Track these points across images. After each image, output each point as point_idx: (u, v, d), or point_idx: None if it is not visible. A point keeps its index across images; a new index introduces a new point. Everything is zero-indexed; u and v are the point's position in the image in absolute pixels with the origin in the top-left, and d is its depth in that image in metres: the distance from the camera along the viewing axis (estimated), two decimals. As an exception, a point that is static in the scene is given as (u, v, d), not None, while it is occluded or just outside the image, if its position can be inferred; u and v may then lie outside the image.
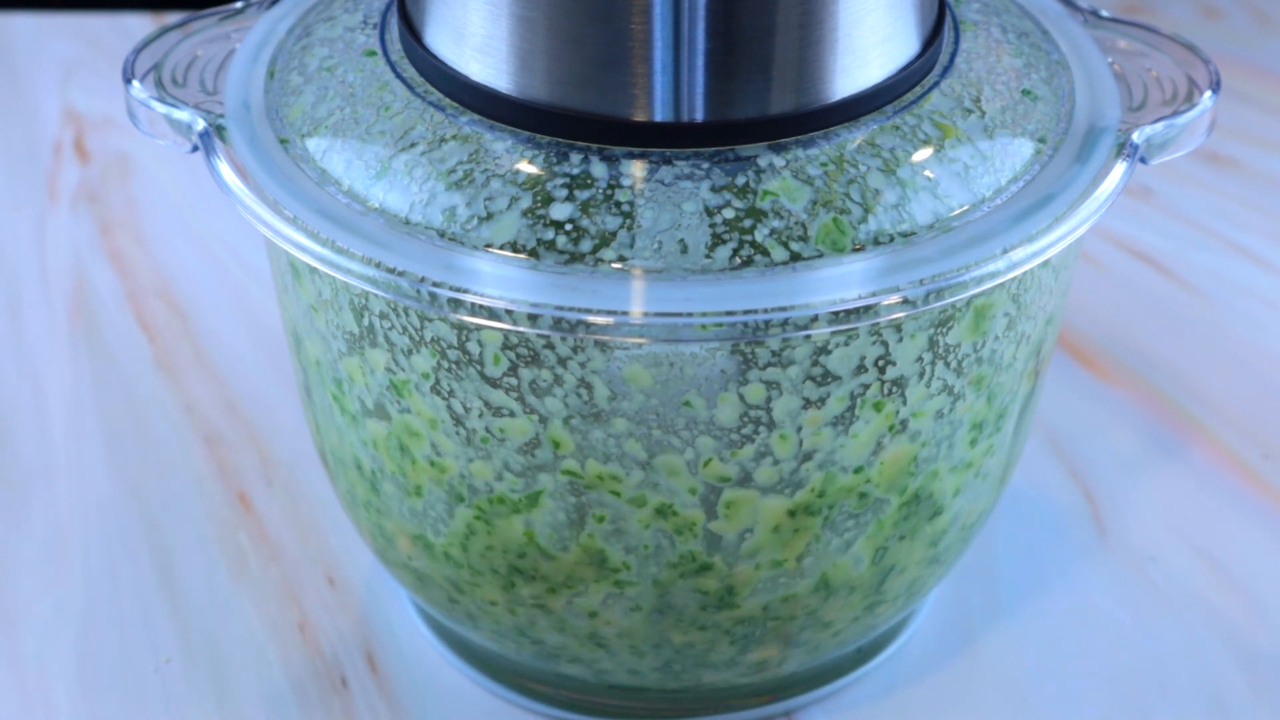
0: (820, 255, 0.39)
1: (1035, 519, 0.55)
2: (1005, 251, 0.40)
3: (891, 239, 0.40)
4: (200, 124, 0.43)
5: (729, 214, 0.39)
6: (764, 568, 0.43)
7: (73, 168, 0.70)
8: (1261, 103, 0.75)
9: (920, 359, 0.41)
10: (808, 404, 0.41)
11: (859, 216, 0.40)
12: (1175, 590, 0.53)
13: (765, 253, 0.39)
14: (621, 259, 0.39)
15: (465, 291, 0.39)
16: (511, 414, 0.41)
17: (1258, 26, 0.80)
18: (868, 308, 0.39)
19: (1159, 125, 0.43)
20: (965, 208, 0.41)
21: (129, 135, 0.71)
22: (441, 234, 0.40)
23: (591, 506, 0.42)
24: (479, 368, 0.41)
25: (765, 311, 0.39)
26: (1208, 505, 0.56)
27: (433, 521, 0.44)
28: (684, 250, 0.39)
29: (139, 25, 0.79)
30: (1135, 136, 0.43)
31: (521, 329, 0.39)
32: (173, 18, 0.65)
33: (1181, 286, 0.65)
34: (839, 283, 0.39)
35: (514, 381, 0.41)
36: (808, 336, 0.40)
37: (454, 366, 0.41)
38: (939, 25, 0.43)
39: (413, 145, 0.41)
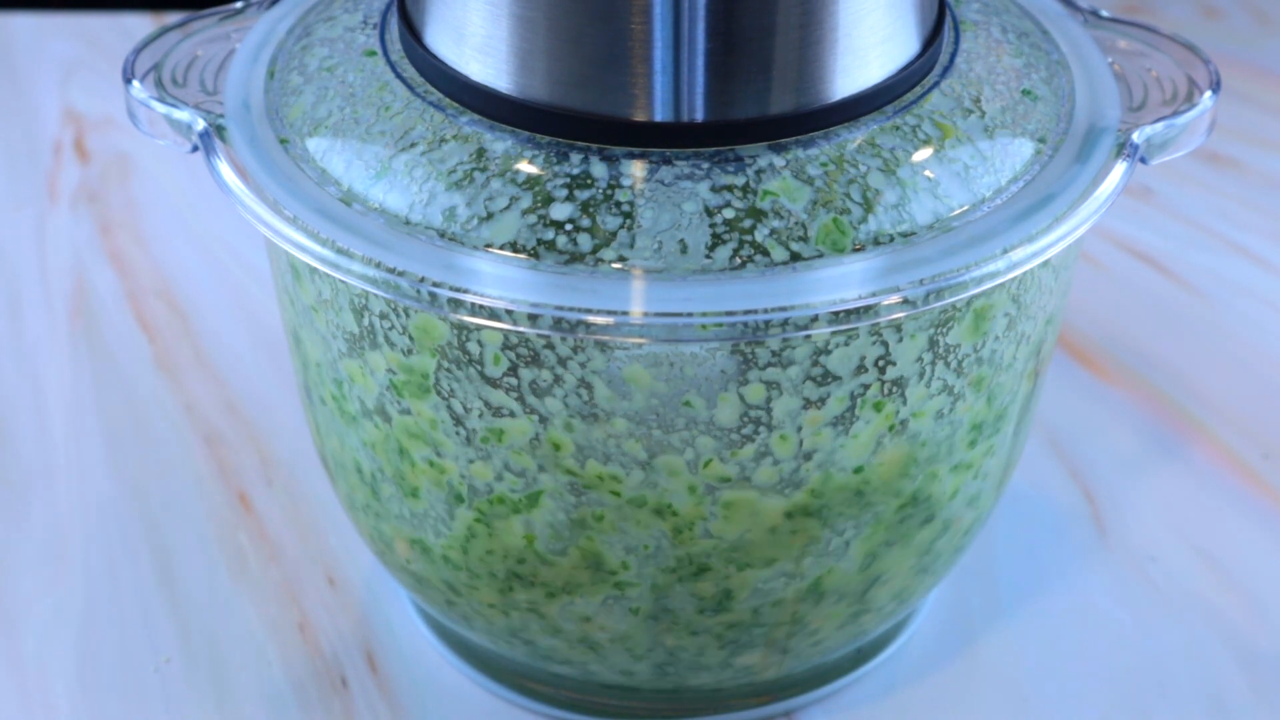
0: (820, 255, 0.39)
1: (1035, 519, 0.55)
2: (1005, 252, 0.40)
3: (891, 239, 0.40)
4: (200, 124, 0.43)
5: (729, 214, 0.39)
6: (760, 569, 0.43)
7: (73, 168, 0.70)
8: (1261, 103, 0.75)
9: (920, 359, 0.41)
10: (808, 404, 0.41)
11: (859, 216, 0.40)
12: (1175, 590, 0.53)
13: (765, 253, 0.39)
14: (621, 259, 0.39)
15: (465, 291, 0.39)
16: (511, 414, 0.41)
17: (1258, 26, 0.80)
18: (868, 308, 0.39)
19: (1159, 125, 0.43)
20: (965, 208, 0.41)
21: (129, 135, 0.71)
22: (442, 234, 0.40)
23: (591, 506, 0.42)
24: (479, 368, 0.41)
25: (765, 311, 0.39)
26: (1208, 505, 0.56)
27: (433, 524, 0.44)
28: (684, 250, 0.39)
29: (139, 25, 0.79)
30: (1135, 136, 0.43)
31: (522, 329, 0.39)
32: (173, 18, 0.65)
33: (1181, 286, 0.65)
34: (839, 283, 0.39)
35: (514, 382, 0.41)
36: (808, 337, 0.40)
37: (453, 367, 0.41)
38: (939, 25, 0.43)
39: (413, 145, 0.41)
